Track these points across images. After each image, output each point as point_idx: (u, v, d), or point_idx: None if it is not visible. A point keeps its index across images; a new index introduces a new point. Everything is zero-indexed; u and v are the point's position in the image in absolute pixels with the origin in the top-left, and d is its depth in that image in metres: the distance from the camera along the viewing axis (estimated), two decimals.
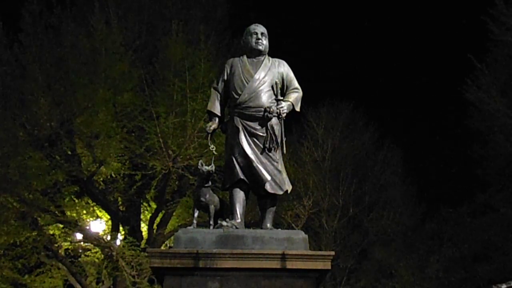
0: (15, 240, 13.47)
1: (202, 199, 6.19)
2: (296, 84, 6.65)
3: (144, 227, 15.48)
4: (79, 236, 14.94)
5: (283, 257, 5.67)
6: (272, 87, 6.43)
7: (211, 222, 6.13)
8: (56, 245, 14.54)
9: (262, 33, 6.65)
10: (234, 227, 6.00)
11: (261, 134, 6.29)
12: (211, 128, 6.52)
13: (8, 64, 13.48)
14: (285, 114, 6.38)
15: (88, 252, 15.34)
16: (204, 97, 12.75)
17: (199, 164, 6.31)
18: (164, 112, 13.67)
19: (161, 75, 14.08)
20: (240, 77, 6.47)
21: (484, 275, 16.92)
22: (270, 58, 6.66)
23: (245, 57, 6.63)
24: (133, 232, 14.48)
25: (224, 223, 6.01)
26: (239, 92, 6.40)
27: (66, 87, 13.21)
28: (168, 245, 14.89)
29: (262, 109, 6.29)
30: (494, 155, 16.04)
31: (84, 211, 14.93)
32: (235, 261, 5.66)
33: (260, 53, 6.62)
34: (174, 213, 15.50)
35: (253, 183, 6.27)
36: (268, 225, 6.28)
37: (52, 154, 13.35)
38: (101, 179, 14.54)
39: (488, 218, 16.81)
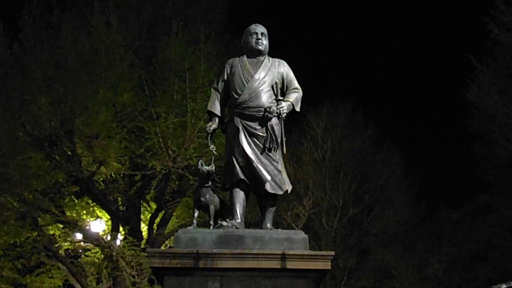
0: (15, 240, 13.44)
1: (202, 199, 6.19)
2: (296, 84, 6.64)
3: (144, 227, 15.48)
4: (79, 236, 14.93)
5: (283, 257, 5.67)
6: (272, 87, 6.42)
7: (211, 222, 6.13)
8: (56, 245, 14.52)
9: (262, 33, 6.64)
10: (234, 227, 6.00)
11: (261, 134, 6.28)
12: (211, 128, 6.51)
13: (8, 64, 13.48)
14: (285, 114, 6.37)
15: (88, 252, 15.33)
16: (204, 97, 12.75)
17: (199, 164, 6.30)
18: (164, 112, 13.68)
19: (161, 75, 14.08)
20: (240, 77, 6.46)
21: (484, 275, 16.94)
22: (270, 58, 6.65)
23: (245, 57, 6.62)
24: (133, 232, 14.46)
25: (224, 223, 6.02)
26: (239, 92, 6.39)
27: (66, 87, 13.21)
28: (168, 245, 14.89)
29: (262, 109, 6.28)
30: (494, 155, 16.04)
31: (84, 211, 14.93)
32: (235, 261, 5.66)
33: (260, 53, 6.61)
34: (174, 213, 15.50)
35: (253, 183, 6.26)
36: (268, 225, 6.28)
37: (52, 154, 13.36)
38: (101, 179, 14.53)
39: (488, 219, 16.82)
